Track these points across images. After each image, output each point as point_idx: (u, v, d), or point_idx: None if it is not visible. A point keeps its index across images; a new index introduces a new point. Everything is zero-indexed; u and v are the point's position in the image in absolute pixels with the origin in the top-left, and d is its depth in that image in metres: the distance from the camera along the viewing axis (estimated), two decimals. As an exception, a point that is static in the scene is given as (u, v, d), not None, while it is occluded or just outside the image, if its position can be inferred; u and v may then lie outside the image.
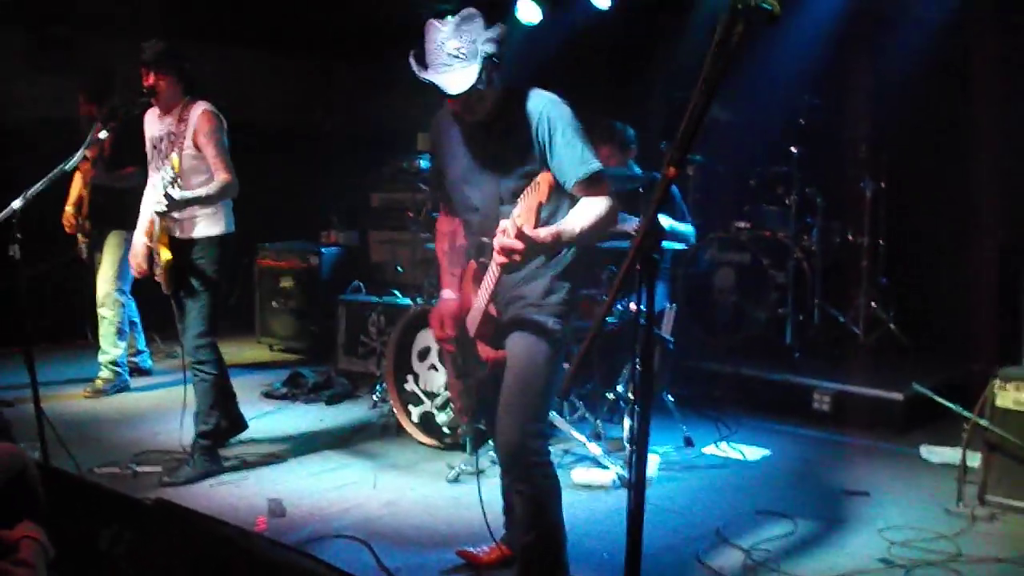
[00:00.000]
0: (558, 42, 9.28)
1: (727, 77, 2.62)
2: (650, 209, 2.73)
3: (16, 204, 5.34)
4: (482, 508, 4.76)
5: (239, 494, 5.82)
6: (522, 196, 3.59)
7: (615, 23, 9.18)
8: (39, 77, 9.27)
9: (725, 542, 5.12)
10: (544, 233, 3.73)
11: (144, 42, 5.98)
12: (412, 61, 3.98)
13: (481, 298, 4.04)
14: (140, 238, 6.09)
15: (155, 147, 6.06)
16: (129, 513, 3.67)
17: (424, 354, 6.79)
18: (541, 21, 9.58)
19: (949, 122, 8.25)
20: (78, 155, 5.65)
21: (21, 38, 9.22)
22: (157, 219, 5.83)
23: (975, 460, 5.59)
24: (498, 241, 3.68)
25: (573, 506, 5.64)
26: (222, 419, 6.16)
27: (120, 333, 8.02)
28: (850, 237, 8.67)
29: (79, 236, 8.05)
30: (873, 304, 8.40)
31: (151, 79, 5.94)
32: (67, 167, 5.59)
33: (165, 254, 5.85)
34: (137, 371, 8.37)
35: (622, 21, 9.20)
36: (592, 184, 3.92)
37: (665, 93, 9.07)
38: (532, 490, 4.11)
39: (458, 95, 3.86)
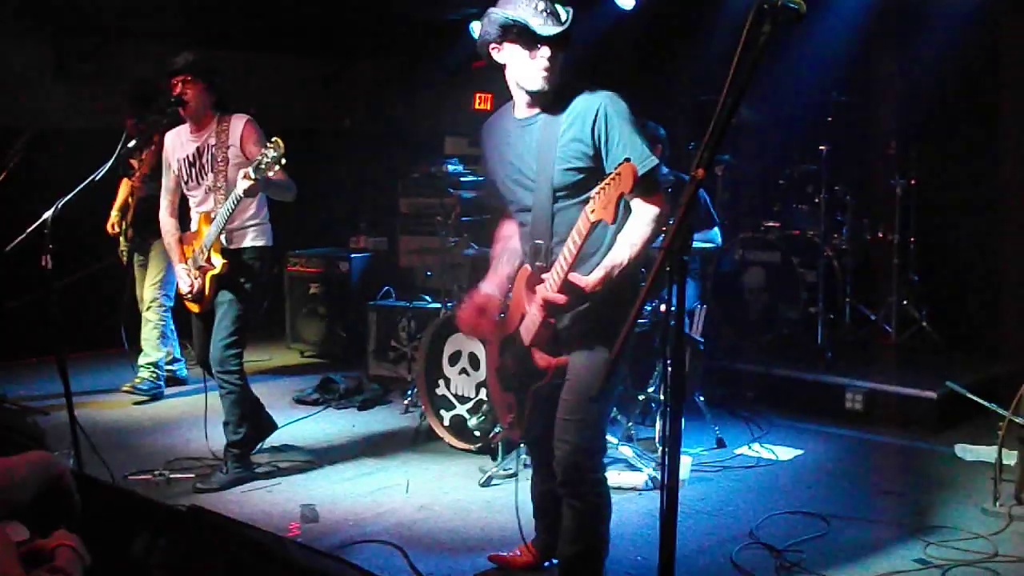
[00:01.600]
0: (582, 43, 9.26)
1: (754, 77, 2.61)
2: (679, 211, 2.72)
3: (48, 215, 5.39)
4: (516, 513, 4.78)
5: (272, 500, 5.84)
6: (600, 188, 3.57)
7: (640, 24, 9.15)
8: (63, 87, 9.33)
9: (758, 543, 5.10)
10: (593, 280, 3.77)
11: (177, 55, 6.01)
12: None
13: (537, 307, 3.95)
14: (180, 267, 6.13)
15: (192, 164, 6.04)
16: (163, 520, 3.68)
17: (455, 358, 6.80)
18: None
19: (979, 117, 8.19)
20: (108, 165, 5.69)
21: (46, 48, 9.28)
22: (209, 230, 5.85)
23: (1011, 458, 5.53)
24: (540, 295, 3.74)
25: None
26: (251, 427, 6.18)
27: (163, 337, 8.13)
28: (880, 235, 8.62)
29: (121, 240, 8.12)
30: (905, 302, 8.35)
31: (179, 87, 5.96)
32: (97, 177, 5.63)
33: (217, 260, 5.87)
34: (173, 380, 8.41)
35: (647, 22, 9.17)
36: (647, 181, 3.82)
37: (691, 94, 9.04)
38: (584, 505, 4.11)
39: (557, 35, 3.92)
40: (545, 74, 3.98)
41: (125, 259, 8.19)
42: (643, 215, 3.88)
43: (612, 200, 3.51)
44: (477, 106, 11.07)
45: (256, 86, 9.44)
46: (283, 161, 5.43)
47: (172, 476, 6.15)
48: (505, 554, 4.90)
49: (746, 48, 2.59)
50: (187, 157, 6.08)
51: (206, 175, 5.97)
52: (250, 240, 6.08)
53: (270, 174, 5.50)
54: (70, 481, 2.89)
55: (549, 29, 3.89)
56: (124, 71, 9.37)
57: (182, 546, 3.46)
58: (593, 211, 3.59)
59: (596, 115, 3.89)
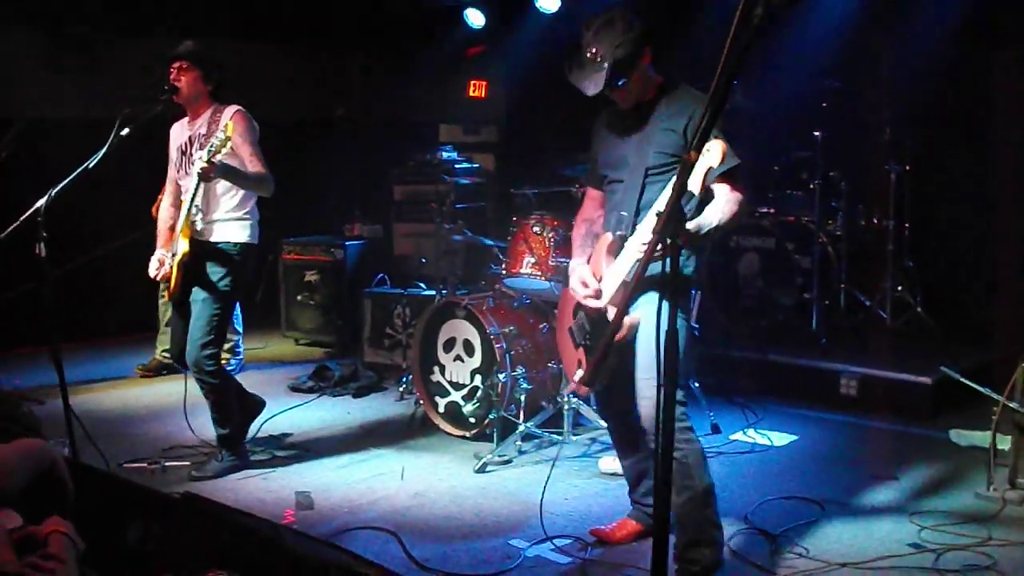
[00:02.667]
0: (578, 29, 9.25)
1: (748, 62, 2.60)
2: (672, 193, 2.72)
3: (40, 203, 5.38)
4: (541, 502, 4.93)
5: (267, 487, 5.84)
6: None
7: (634, 10, 9.12)
8: (58, 77, 9.31)
9: (753, 528, 5.11)
10: (691, 226, 4.05)
11: (178, 43, 6.00)
12: (565, 66, 4.44)
13: (621, 268, 4.28)
14: (159, 251, 6.10)
15: (183, 152, 6.03)
16: (157, 507, 3.68)
17: (450, 345, 6.80)
18: (560, 9, 9.58)
19: (974, 103, 8.17)
20: (101, 153, 5.66)
21: (40, 38, 9.26)
22: (183, 215, 5.81)
23: (1005, 443, 5.54)
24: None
25: (601, 495, 5.67)
26: (237, 420, 6.17)
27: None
28: (875, 221, 8.60)
29: None
30: (899, 288, 8.34)
31: (175, 74, 5.93)
32: (90, 166, 5.61)
33: (183, 245, 5.77)
34: (170, 369, 8.41)
35: (641, 8, 9.14)
36: (733, 176, 4.18)
37: (685, 81, 9.00)
38: (677, 453, 4.27)
39: (592, 96, 4.33)
40: (620, 101, 4.49)
41: None
42: (728, 196, 4.21)
43: (699, 175, 3.69)
44: (471, 94, 11.07)
45: (250, 76, 9.40)
46: (228, 144, 5.45)
47: (167, 464, 6.16)
48: (604, 528, 5.04)
49: (739, 32, 2.58)
50: (180, 146, 6.07)
51: (193, 164, 5.86)
52: (229, 235, 5.96)
53: (218, 157, 5.47)
54: (63, 469, 2.89)
55: (593, 87, 4.30)
56: (117, 62, 9.34)
57: (176, 533, 3.47)
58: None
59: (692, 115, 4.26)
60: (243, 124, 5.85)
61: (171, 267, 5.90)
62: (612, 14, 4.34)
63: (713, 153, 3.67)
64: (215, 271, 5.90)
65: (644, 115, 4.45)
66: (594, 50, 4.30)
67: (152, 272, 6.09)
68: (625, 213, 4.42)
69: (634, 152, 4.45)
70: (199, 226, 5.86)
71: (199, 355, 5.85)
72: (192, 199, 5.76)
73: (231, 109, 5.95)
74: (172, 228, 6.12)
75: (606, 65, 4.25)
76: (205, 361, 5.87)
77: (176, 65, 5.95)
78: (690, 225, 4.09)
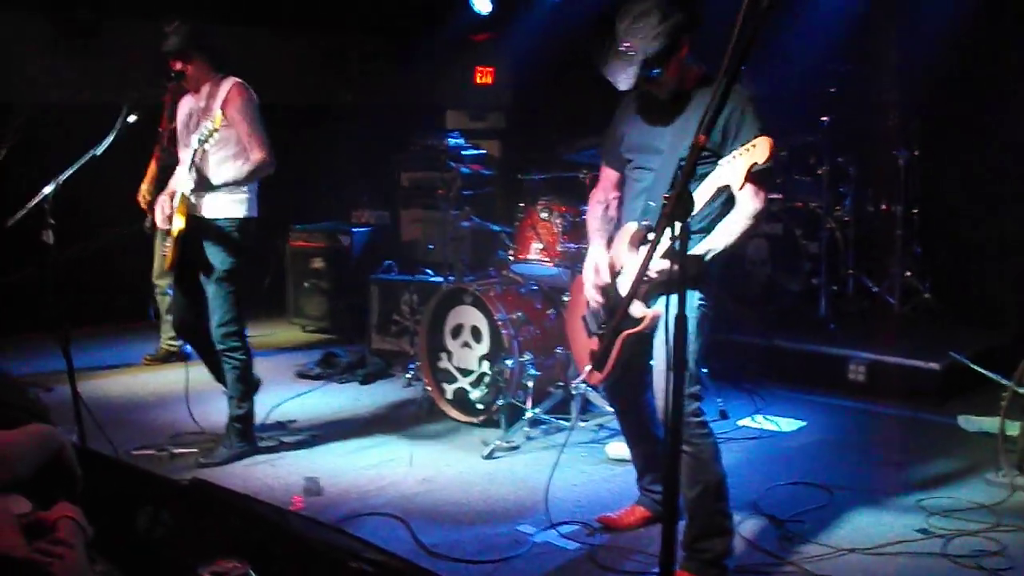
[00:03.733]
0: (585, 15, 9.22)
1: (756, 45, 2.58)
2: (681, 176, 2.71)
3: (47, 189, 5.39)
4: (547, 488, 5.00)
5: (275, 474, 5.85)
6: (731, 157, 3.83)
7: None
8: (62, 62, 9.29)
9: (761, 514, 5.11)
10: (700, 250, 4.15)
11: (166, 27, 5.91)
12: (595, 58, 4.33)
13: (642, 260, 4.14)
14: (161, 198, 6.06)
15: (185, 125, 6.02)
16: (166, 494, 3.68)
17: (457, 331, 6.79)
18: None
19: (982, 87, 8.14)
20: (108, 139, 5.67)
21: (43, 22, 9.24)
22: (178, 192, 5.83)
23: (1014, 429, 5.53)
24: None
25: (609, 480, 5.67)
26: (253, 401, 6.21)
27: None
28: (883, 206, 8.58)
29: (149, 212, 8.15)
30: (908, 273, 8.32)
31: (179, 66, 5.90)
32: (98, 152, 5.61)
33: (179, 222, 5.78)
34: (178, 356, 8.42)
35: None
36: (758, 179, 4.08)
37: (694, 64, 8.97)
38: (693, 448, 4.30)
39: (623, 90, 4.26)
40: (657, 91, 4.37)
41: (148, 231, 8.17)
42: (746, 209, 4.18)
43: (744, 168, 3.73)
44: (478, 80, 11.05)
45: (255, 61, 9.36)
46: (215, 136, 5.55)
47: (176, 451, 6.15)
48: (612, 515, 5.05)
49: (748, 15, 2.56)
50: (183, 118, 6.08)
51: (190, 136, 5.87)
52: (224, 210, 5.93)
53: (215, 137, 5.59)
54: (71, 454, 2.89)
55: (626, 81, 4.20)
56: (121, 46, 9.32)
57: (185, 519, 3.47)
58: (721, 177, 3.85)
59: (732, 112, 4.12)
60: (239, 99, 5.82)
61: (171, 240, 5.89)
62: (648, 4, 4.16)
63: (759, 150, 3.68)
64: (215, 251, 5.90)
65: (682, 105, 4.34)
66: (628, 43, 4.15)
67: (160, 222, 6.02)
68: (653, 203, 4.33)
69: (668, 141, 4.35)
70: (193, 200, 5.84)
71: (222, 336, 5.97)
72: (188, 171, 5.76)
73: (228, 83, 5.89)
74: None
75: (638, 60, 4.13)
76: (230, 340, 5.98)
77: (175, 58, 5.92)
78: (698, 250, 4.16)
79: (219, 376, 6.28)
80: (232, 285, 5.94)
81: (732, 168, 3.79)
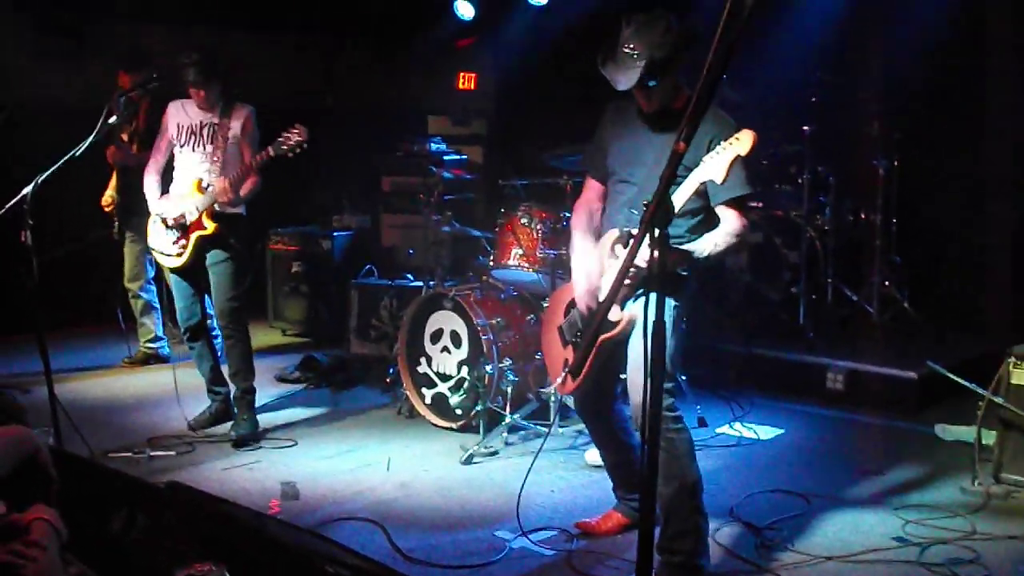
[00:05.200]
0: (568, 22, 9.25)
1: (738, 53, 2.59)
2: (660, 183, 2.72)
3: (27, 190, 5.36)
4: (519, 494, 4.96)
5: (252, 477, 5.83)
6: (717, 150, 3.85)
7: (678, 15, 9.13)
8: (47, 63, 9.25)
9: (739, 521, 5.13)
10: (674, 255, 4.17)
11: (184, 58, 6.17)
12: (598, 56, 4.37)
13: (623, 264, 4.20)
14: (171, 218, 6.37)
15: (193, 132, 6.35)
16: (142, 496, 3.67)
17: (437, 336, 6.79)
18: (549, 2, 9.57)
19: (962, 99, 8.20)
20: (89, 140, 5.66)
21: (28, 24, 9.21)
22: (198, 195, 6.22)
23: (990, 438, 5.56)
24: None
25: (587, 487, 5.67)
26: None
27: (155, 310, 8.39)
28: (863, 215, 8.60)
29: (114, 218, 8.17)
30: (887, 283, 8.35)
31: (202, 95, 6.27)
32: (77, 153, 5.60)
33: (210, 224, 6.24)
34: (155, 358, 8.41)
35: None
36: (742, 203, 4.33)
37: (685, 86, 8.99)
38: (667, 444, 4.32)
39: (622, 90, 4.30)
40: (644, 104, 4.43)
41: (116, 236, 8.18)
42: (729, 227, 4.29)
43: (726, 162, 3.77)
44: (461, 85, 11.05)
45: (240, 65, 9.37)
46: (304, 147, 6.07)
47: (153, 453, 6.13)
48: (590, 520, 5.06)
49: (730, 21, 2.57)
50: (191, 126, 6.39)
51: (207, 146, 6.31)
52: (233, 208, 6.36)
53: (284, 149, 6.05)
54: (46, 456, 2.88)
55: (627, 82, 4.26)
56: (106, 46, 9.29)
57: (161, 522, 3.45)
58: (704, 171, 3.87)
59: (714, 136, 4.11)
60: (253, 127, 6.39)
61: (187, 239, 6.32)
62: (655, 14, 4.29)
63: (743, 142, 3.72)
64: (231, 238, 6.39)
65: (668, 123, 4.38)
66: (632, 46, 4.23)
67: (166, 247, 6.42)
68: (636, 212, 4.38)
69: (652, 156, 4.40)
70: (217, 207, 6.27)
71: (229, 308, 6.44)
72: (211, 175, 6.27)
73: (244, 110, 6.38)
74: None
75: (640, 64, 4.22)
76: (236, 313, 6.47)
77: (199, 89, 6.26)
78: (689, 247, 4.22)
79: (215, 374, 6.71)
80: (239, 266, 6.47)
81: (716, 161, 3.81)
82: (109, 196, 8.14)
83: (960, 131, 8.23)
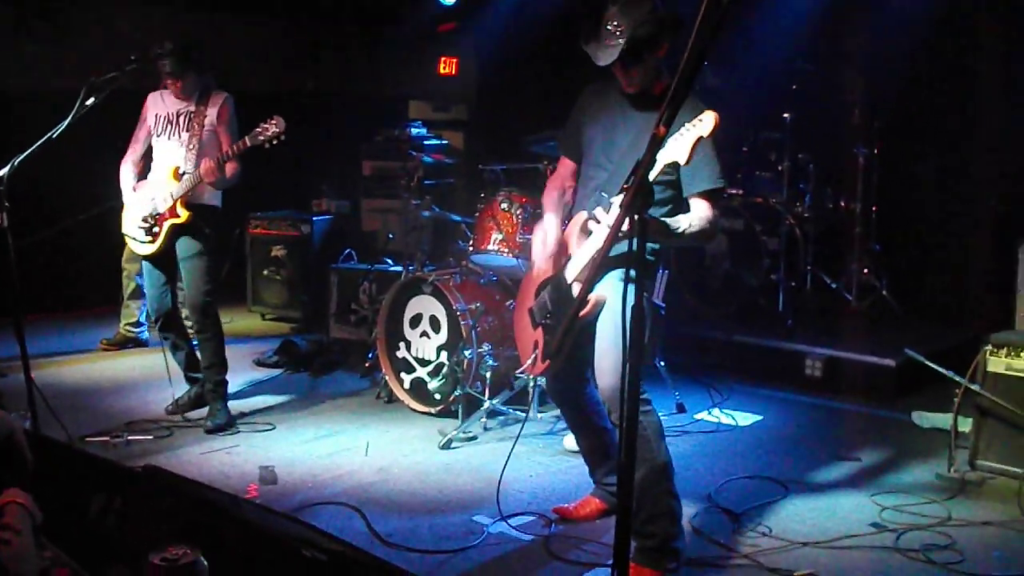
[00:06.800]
0: (549, 8, 9.23)
1: (719, 39, 2.59)
2: (640, 168, 2.71)
3: (2, 172, 5.32)
4: (499, 479, 5.01)
5: (230, 462, 5.82)
6: (679, 132, 3.79)
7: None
8: (25, 46, 9.18)
9: (716, 507, 5.15)
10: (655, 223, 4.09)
11: (158, 48, 6.12)
12: (581, 32, 4.39)
13: (590, 247, 4.32)
14: (144, 205, 6.34)
15: (170, 121, 6.33)
16: (119, 480, 3.66)
17: (416, 321, 6.78)
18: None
19: (944, 88, 8.21)
20: (65, 123, 5.61)
21: (4, 7, 9.13)
22: (174, 182, 6.19)
23: (966, 425, 5.59)
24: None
25: (565, 472, 5.68)
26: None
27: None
28: (843, 203, 8.62)
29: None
30: (866, 271, 8.38)
31: (179, 85, 6.24)
32: (54, 135, 5.56)
33: (183, 212, 6.21)
34: (134, 343, 8.38)
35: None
36: (714, 195, 4.32)
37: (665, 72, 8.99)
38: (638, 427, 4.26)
39: (603, 66, 4.30)
40: (625, 83, 4.43)
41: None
42: (701, 213, 4.29)
43: (690, 143, 3.73)
44: (442, 70, 11.01)
45: (220, 48, 9.32)
46: (282, 138, 6.03)
47: (131, 438, 6.11)
48: (567, 506, 5.08)
49: (710, 7, 2.57)
50: (167, 115, 6.36)
51: (182, 133, 6.28)
52: (210, 198, 6.36)
53: (260, 140, 6.01)
54: (22, 439, 2.87)
55: (607, 57, 4.27)
56: (83, 31, 9.23)
57: (138, 506, 3.45)
58: (668, 152, 3.81)
59: (686, 128, 3.99)
60: (229, 112, 6.32)
61: (160, 227, 6.28)
62: None
63: (706, 123, 3.69)
64: (203, 228, 6.33)
65: (645, 106, 4.44)
66: (615, 23, 4.26)
67: (139, 235, 6.37)
68: (606, 195, 4.40)
69: (628, 140, 4.44)
70: (192, 197, 6.25)
71: (203, 301, 6.39)
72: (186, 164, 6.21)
73: (220, 96, 6.32)
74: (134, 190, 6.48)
75: (622, 40, 4.24)
76: (209, 307, 6.43)
77: (176, 79, 6.23)
78: (667, 220, 4.18)
79: (190, 361, 6.67)
80: (212, 258, 6.43)
81: (680, 143, 3.78)
82: None
83: (942, 120, 8.25)
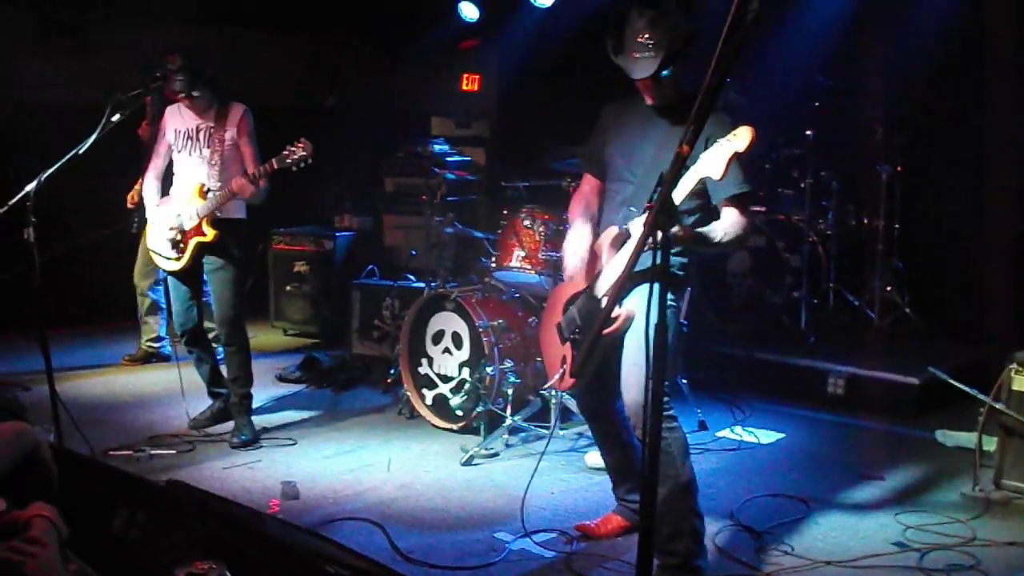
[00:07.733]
0: (572, 24, 9.24)
1: (741, 57, 2.59)
2: (664, 186, 2.72)
3: (30, 187, 5.36)
4: (524, 496, 5.02)
5: (253, 477, 5.83)
6: (713, 147, 3.80)
7: (628, 4, 9.13)
8: (47, 61, 9.25)
9: (739, 525, 5.12)
10: (689, 231, 4.20)
11: (169, 64, 6.13)
12: (608, 45, 4.47)
13: (621, 261, 4.32)
14: (170, 221, 6.37)
15: (190, 137, 6.34)
16: (142, 495, 3.66)
17: (438, 337, 6.79)
18: (554, 4, 9.57)
19: (965, 104, 8.18)
20: (92, 138, 5.64)
21: (28, 22, 9.21)
22: (199, 200, 6.21)
23: (991, 444, 5.56)
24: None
25: (587, 489, 5.67)
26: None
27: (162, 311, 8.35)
28: (865, 221, 8.60)
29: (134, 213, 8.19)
30: (888, 288, 8.34)
31: (189, 101, 6.25)
32: (81, 151, 5.59)
33: (210, 230, 6.23)
34: (156, 357, 8.41)
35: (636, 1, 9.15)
36: (742, 200, 4.35)
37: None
38: (663, 444, 4.25)
39: (640, 79, 4.37)
40: (651, 96, 4.49)
41: (135, 230, 8.15)
42: (732, 219, 4.33)
43: (724, 158, 3.74)
44: (464, 87, 11.04)
45: (241, 63, 9.37)
46: (308, 162, 6.07)
47: (154, 452, 6.13)
48: (589, 523, 5.06)
49: (733, 25, 2.57)
50: (186, 131, 6.36)
51: (203, 150, 6.28)
52: (237, 212, 6.37)
53: (288, 163, 6.05)
54: (46, 453, 2.88)
55: (644, 70, 4.34)
56: (106, 45, 9.30)
57: (161, 521, 3.45)
58: (702, 167, 3.83)
59: (709, 138, 3.99)
60: (249, 125, 6.33)
61: (185, 243, 6.32)
62: (668, 7, 4.37)
63: (741, 139, 3.70)
64: (230, 245, 6.36)
65: (670, 121, 4.47)
66: (647, 36, 4.30)
67: (165, 250, 6.43)
68: (634, 209, 4.42)
69: (652, 153, 4.46)
70: (219, 213, 6.26)
71: (232, 315, 6.42)
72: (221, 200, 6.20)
73: (238, 109, 6.32)
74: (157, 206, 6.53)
75: (657, 53, 4.29)
76: (238, 321, 6.46)
77: (187, 97, 6.24)
78: (701, 229, 4.24)
79: (214, 375, 6.70)
80: (242, 275, 6.52)
81: (714, 157, 3.79)
82: (136, 192, 8.09)
83: (963, 137, 8.22)
